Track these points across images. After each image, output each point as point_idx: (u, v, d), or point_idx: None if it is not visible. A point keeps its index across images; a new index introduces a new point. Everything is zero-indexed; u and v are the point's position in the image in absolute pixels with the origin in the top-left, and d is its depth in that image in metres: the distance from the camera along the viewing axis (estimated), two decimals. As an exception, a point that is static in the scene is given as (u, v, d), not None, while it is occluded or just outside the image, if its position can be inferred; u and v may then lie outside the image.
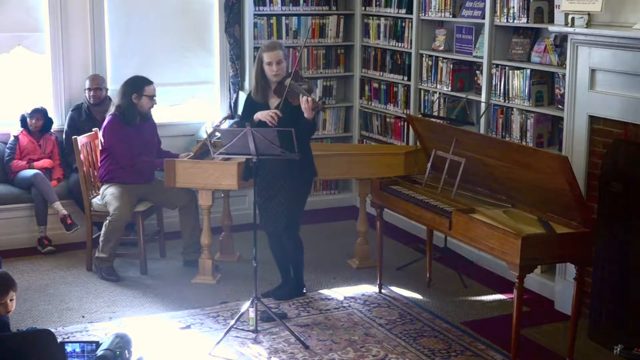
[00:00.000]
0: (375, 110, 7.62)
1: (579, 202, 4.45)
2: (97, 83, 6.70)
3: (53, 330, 4.53)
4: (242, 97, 7.31)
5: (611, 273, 4.91)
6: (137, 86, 6.05)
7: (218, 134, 5.58)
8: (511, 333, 4.51)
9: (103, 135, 6.10)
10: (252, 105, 5.38)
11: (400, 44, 7.20)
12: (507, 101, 6.03)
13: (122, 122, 6.02)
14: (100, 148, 6.23)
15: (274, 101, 5.29)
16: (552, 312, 5.46)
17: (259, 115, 5.22)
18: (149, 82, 6.09)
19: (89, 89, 6.68)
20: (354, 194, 7.59)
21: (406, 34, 7.11)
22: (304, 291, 5.67)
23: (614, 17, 4.99)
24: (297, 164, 5.19)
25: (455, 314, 5.43)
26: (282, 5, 7.51)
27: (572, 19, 5.10)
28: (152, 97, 6.10)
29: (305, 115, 5.11)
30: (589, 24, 5.01)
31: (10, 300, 4.19)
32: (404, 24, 7.15)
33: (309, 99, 5.07)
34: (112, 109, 6.11)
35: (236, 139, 4.86)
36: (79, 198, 6.40)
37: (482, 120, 6.20)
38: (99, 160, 6.25)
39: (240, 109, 7.31)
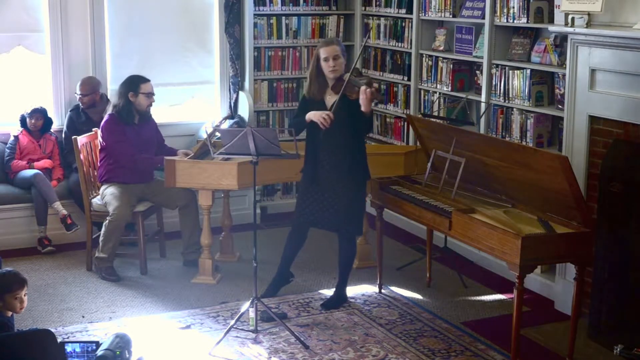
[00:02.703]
0: (375, 110, 7.61)
1: (579, 202, 4.45)
2: (84, 90, 6.66)
3: (53, 330, 4.53)
4: (242, 97, 7.31)
5: (611, 273, 4.91)
6: (134, 85, 6.05)
7: (218, 134, 5.58)
8: (511, 333, 4.51)
9: (101, 135, 6.10)
10: (307, 105, 5.27)
11: (400, 44, 7.20)
12: (507, 101, 6.03)
13: (119, 121, 6.02)
14: (99, 148, 6.23)
15: (330, 98, 5.20)
16: (552, 312, 5.46)
17: (311, 115, 5.12)
18: (146, 80, 6.09)
19: (78, 94, 6.68)
20: (354, 194, 7.58)
21: (406, 34, 7.11)
22: (347, 302, 5.56)
23: (614, 17, 4.99)
24: (348, 165, 5.19)
25: (455, 314, 5.43)
26: (282, 5, 7.52)
27: (572, 19, 5.11)
28: (149, 95, 6.09)
29: (363, 108, 5.00)
30: (589, 24, 5.01)
31: (25, 295, 4.24)
32: (404, 24, 7.15)
33: (368, 89, 4.95)
34: (109, 109, 6.12)
35: (236, 139, 4.85)
36: (79, 198, 6.41)
37: (482, 120, 6.20)
38: (98, 160, 6.26)
39: (240, 109, 7.33)
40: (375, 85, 5.03)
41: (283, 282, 5.62)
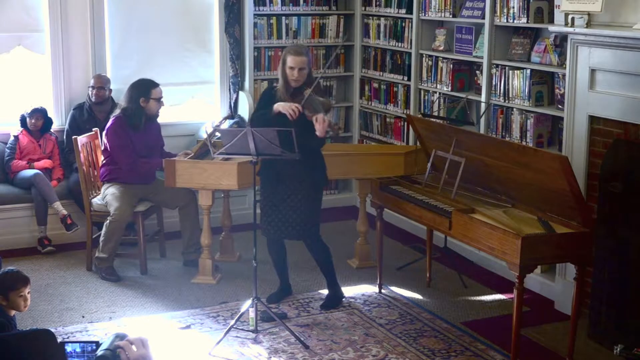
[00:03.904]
0: (375, 110, 7.62)
1: (579, 202, 4.45)
2: (101, 83, 6.70)
3: (53, 330, 4.53)
4: (242, 97, 7.31)
5: (611, 273, 4.91)
6: (145, 90, 6.05)
7: (218, 134, 5.58)
8: (511, 333, 4.51)
9: (106, 136, 6.10)
10: (272, 98, 5.23)
11: (400, 44, 7.20)
12: (507, 101, 6.03)
13: (125, 125, 6.02)
14: (102, 148, 6.23)
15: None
16: (552, 312, 5.46)
17: (279, 107, 5.04)
18: (156, 85, 6.09)
19: (92, 87, 6.69)
20: (354, 194, 7.59)
21: (406, 34, 7.11)
22: (344, 297, 5.58)
23: (614, 17, 4.99)
24: (306, 170, 5.17)
25: (455, 314, 5.43)
26: (282, 5, 7.51)
27: (572, 19, 5.11)
28: (159, 100, 6.10)
29: (317, 133, 4.97)
30: (589, 24, 5.01)
31: (28, 293, 4.25)
32: (404, 24, 7.15)
33: (325, 119, 4.93)
34: (117, 111, 6.11)
35: (236, 139, 4.85)
36: (79, 198, 6.41)
37: (482, 120, 6.20)
38: (100, 159, 6.26)
39: (240, 109, 7.33)
40: (332, 121, 4.95)
41: (287, 293, 5.64)
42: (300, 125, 4.96)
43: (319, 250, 5.46)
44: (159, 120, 6.40)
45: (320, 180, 5.37)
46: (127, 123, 6.03)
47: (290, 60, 5.13)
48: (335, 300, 5.53)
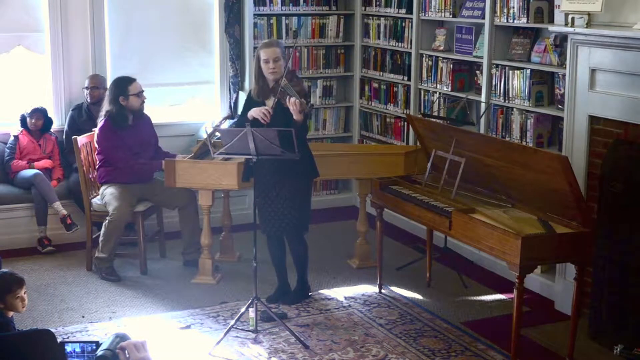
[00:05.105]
0: (375, 110, 7.62)
1: (579, 202, 4.45)
2: (95, 82, 6.70)
3: (53, 330, 4.53)
4: (242, 97, 7.31)
5: (611, 273, 4.91)
6: (121, 88, 6.04)
7: (218, 134, 5.58)
8: (511, 333, 4.51)
9: (97, 141, 6.09)
10: (251, 104, 5.34)
11: (400, 44, 7.20)
12: (507, 101, 6.03)
13: (114, 126, 6.01)
14: (96, 151, 6.23)
15: (270, 101, 5.25)
16: (552, 312, 5.46)
17: (252, 112, 5.17)
18: (132, 80, 6.08)
19: (87, 88, 6.70)
20: (354, 194, 7.59)
21: (406, 34, 7.11)
22: (310, 294, 5.65)
23: (614, 17, 4.99)
24: (295, 165, 5.17)
25: (455, 314, 5.43)
26: (282, 5, 7.51)
27: (572, 19, 5.11)
28: (139, 94, 6.09)
29: (294, 117, 5.03)
30: (589, 24, 5.01)
31: (24, 293, 4.24)
32: (404, 24, 7.15)
33: (296, 101, 4.98)
34: (102, 114, 6.10)
35: (236, 139, 4.85)
36: (79, 198, 6.41)
37: (482, 120, 6.20)
38: (96, 162, 6.25)
39: (240, 109, 7.32)
40: (303, 100, 5.02)
41: (286, 293, 5.63)
42: (279, 120, 5.02)
43: (299, 247, 5.49)
44: (158, 120, 6.41)
45: (308, 172, 5.38)
46: (114, 124, 6.02)
47: (263, 54, 5.22)
48: (301, 295, 5.57)
